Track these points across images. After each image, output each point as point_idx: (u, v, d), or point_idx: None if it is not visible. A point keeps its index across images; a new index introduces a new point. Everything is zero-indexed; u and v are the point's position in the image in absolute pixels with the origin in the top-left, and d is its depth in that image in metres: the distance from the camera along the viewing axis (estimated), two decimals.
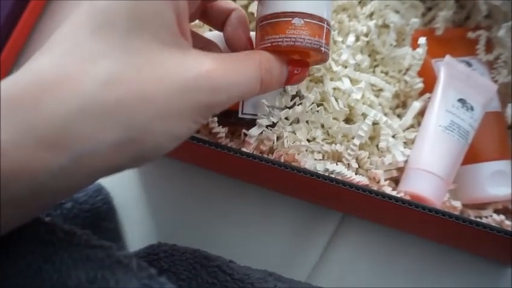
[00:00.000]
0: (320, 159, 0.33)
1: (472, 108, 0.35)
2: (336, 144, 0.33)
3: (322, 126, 0.34)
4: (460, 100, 0.35)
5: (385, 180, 0.34)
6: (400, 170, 0.35)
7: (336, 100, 0.34)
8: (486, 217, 0.35)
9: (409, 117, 0.36)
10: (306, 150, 0.33)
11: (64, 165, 0.17)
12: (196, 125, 0.21)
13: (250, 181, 0.39)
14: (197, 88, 0.20)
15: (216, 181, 0.39)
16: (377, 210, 0.35)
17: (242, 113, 0.32)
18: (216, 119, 0.32)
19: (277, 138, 0.32)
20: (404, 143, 0.35)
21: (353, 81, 0.35)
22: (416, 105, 0.36)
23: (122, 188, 0.39)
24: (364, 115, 0.34)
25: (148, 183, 0.40)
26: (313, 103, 0.33)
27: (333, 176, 0.31)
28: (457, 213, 0.33)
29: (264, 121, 0.31)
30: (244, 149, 0.30)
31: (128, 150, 0.19)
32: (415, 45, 0.37)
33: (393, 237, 0.39)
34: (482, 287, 0.38)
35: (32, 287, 0.19)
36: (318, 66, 0.33)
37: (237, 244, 0.39)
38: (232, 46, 0.28)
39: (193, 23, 0.34)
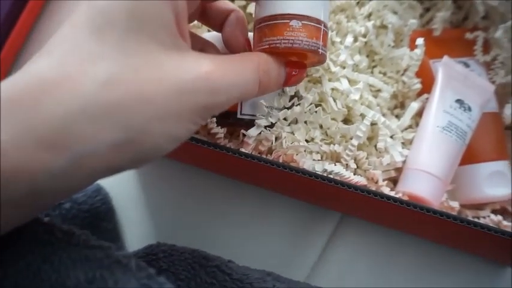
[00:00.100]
0: (318, 160, 0.33)
1: (469, 109, 0.35)
2: (334, 144, 0.33)
3: (321, 126, 0.34)
4: (458, 101, 0.35)
5: (383, 180, 0.34)
6: (398, 170, 0.35)
7: (334, 101, 0.34)
8: (484, 217, 0.35)
9: (407, 117, 0.36)
10: (305, 151, 0.33)
11: (63, 165, 0.17)
12: (195, 126, 0.21)
13: (249, 181, 0.39)
14: (196, 89, 0.20)
15: (215, 181, 0.39)
16: (375, 211, 0.35)
17: (241, 114, 0.32)
18: (214, 119, 0.32)
19: (276, 138, 0.32)
20: (403, 143, 0.35)
21: (351, 82, 0.35)
22: (414, 106, 0.36)
23: (121, 188, 0.39)
24: (363, 116, 0.34)
25: (147, 183, 0.40)
26: (311, 104, 0.33)
27: (331, 176, 0.31)
28: (454, 213, 0.33)
29: (262, 122, 0.31)
30: (242, 150, 0.31)
31: (126, 151, 0.19)
32: (413, 46, 0.37)
33: (391, 237, 0.39)
34: (481, 287, 0.38)
35: (31, 287, 0.19)
36: (316, 67, 0.34)
37: (236, 244, 0.39)
38: (230, 47, 0.28)
39: (191, 24, 0.34)
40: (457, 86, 0.36)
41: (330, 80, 0.34)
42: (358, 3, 0.38)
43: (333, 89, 0.34)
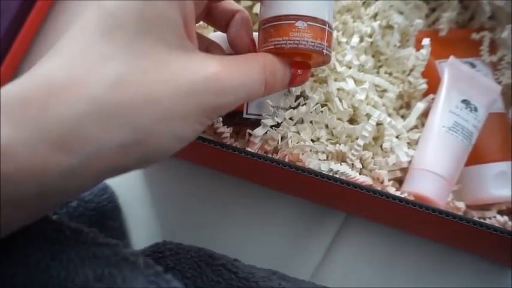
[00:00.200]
0: (324, 160, 0.33)
1: (475, 109, 0.35)
2: (340, 144, 0.33)
3: (327, 126, 0.34)
4: (464, 101, 0.35)
5: (389, 180, 0.34)
6: (404, 170, 0.35)
7: (340, 101, 0.34)
8: (490, 218, 0.35)
9: (412, 118, 0.36)
10: (310, 151, 0.33)
11: (71, 166, 0.18)
12: (202, 126, 0.21)
13: (255, 181, 0.39)
14: (203, 90, 0.20)
15: (221, 181, 0.39)
16: (380, 211, 0.35)
17: (247, 114, 0.32)
18: (221, 119, 0.32)
19: (282, 138, 0.32)
20: (408, 143, 0.35)
21: (357, 82, 0.35)
22: (420, 106, 0.36)
23: (127, 186, 0.40)
24: (368, 116, 0.34)
25: (153, 182, 0.41)
26: (317, 103, 0.33)
27: (337, 176, 0.31)
28: (460, 214, 0.33)
29: (268, 121, 0.31)
30: (248, 149, 0.31)
31: (133, 152, 0.19)
32: (418, 46, 0.37)
33: (396, 237, 0.39)
34: (485, 287, 0.38)
35: (40, 284, 0.19)
36: (322, 66, 0.34)
37: (241, 243, 0.39)
38: (235, 47, 0.28)
39: (197, 24, 0.35)
40: (463, 86, 0.36)
41: (335, 80, 0.34)
42: (364, 3, 0.38)
43: (338, 89, 0.34)
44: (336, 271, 0.39)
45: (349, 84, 0.34)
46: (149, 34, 0.19)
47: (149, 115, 0.19)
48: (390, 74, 0.38)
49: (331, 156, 0.34)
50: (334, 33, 0.35)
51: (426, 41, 0.36)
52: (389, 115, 0.36)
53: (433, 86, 0.37)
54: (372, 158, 0.34)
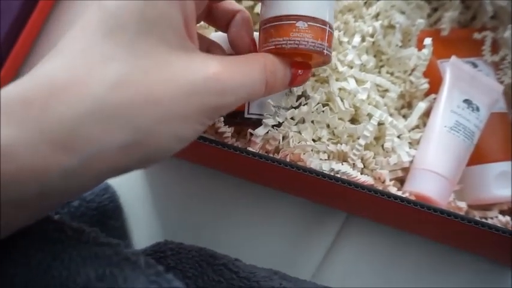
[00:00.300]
0: (325, 159, 0.33)
1: (477, 109, 0.35)
2: (341, 144, 0.33)
3: (328, 126, 0.34)
4: (466, 101, 0.35)
5: (390, 180, 0.34)
6: (406, 170, 0.35)
7: (342, 100, 0.34)
8: (492, 218, 0.35)
9: (414, 117, 0.36)
10: (312, 150, 0.33)
11: (72, 166, 0.18)
12: (202, 127, 0.21)
13: (256, 181, 0.39)
14: (204, 90, 0.20)
15: (222, 180, 0.39)
16: (382, 210, 0.35)
17: (248, 113, 0.32)
18: (222, 118, 0.32)
19: (283, 138, 0.32)
20: (410, 143, 0.35)
21: (358, 82, 0.35)
22: (421, 106, 0.36)
23: (129, 186, 0.40)
24: (370, 115, 0.34)
25: (154, 181, 0.41)
26: (318, 103, 0.33)
27: (338, 175, 0.31)
28: (462, 213, 0.33)
29: (270, 121, 0.31)
30: (250, 149, 0.31)
31: (134, 152, 0.19)
32: (420, 46, 0.37)
33: (397, 237, 0.39)
34: (485, 287, 0.38)
35: (42, 284, 0.19)
36: (324, 66, 0.34)
37: (242, 243, 0.39)
38: (235, 47, 0.28)
39: (198, 25, 0.35)
40: (464, 86, 0.36)
41: (337, 80, 0.34)
42: (365, 3, 0.38)
43: (340, 89, 0.34)
44: (337, 271, 0.39)
45: (351, 84, 0.34)
46: (150, 34, 0.19)
47: (150, 115, 0.19)
48: (392, 73, 0.38)
49: (333, 156, 0.34)
50: (336, 33, 0.35)
51: (428, 41, 0.36)
52: (391, 115, 0.36)
53: (435, 85, 0.37)
54: (374, 157, 0.34)
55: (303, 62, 0.27)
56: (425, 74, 0.37)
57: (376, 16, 0.38)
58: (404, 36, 0.38)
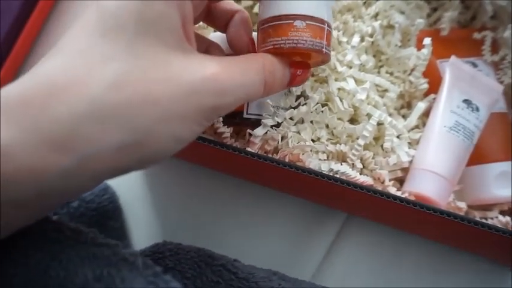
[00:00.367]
0: (325, 159, 0.33)
1: (477, 109, 0.35)
2: (340, 144, 0.33)
3: (327, 126, 0.34)
4: (465, 101, 0.35)
5: (390, 180, 0.34)
6: (405, 170, 0.35)
7: (341, 100, 0.34)
8: (492, 218, 0.35)
9: (413, 117, 0.36)
10: (311, 150, 0.33)
11: (70, 166, 0.18)
12: (201, 127, 0.21)
13: (255, 181, 0.39)
14: (202, 91, 0.20)
15: (221, 181, 0.39)
16: (381, 211, 0.35)
17: (247, 113, 0.32)
18: (221, 119, 0.32)
19: (282, 138, 0.32)
20: (409, 143, 0.35)
21: (358, 82, 0.35)
22: (421, 106, 0.36)
23: (128, 187, 0.40)
24: (369, 115, 0.34)
25: (153, 182, 0.41)
26: (317, 103, 0.33)
27: (337, 176, 0.31)
28: (462, 214, 0.33)
29: (268, 121, 0.31)
30: (249, 149, 0.31)
31: (133, 153, 0.19)
32: (420, 46, 0.37)
33: (397, 237, 0.39)
34: (485, 287, 0.38)
35: (40, 284, 0.19)
36: (323, 66, 0.34)
37: (241, 243, 0.39)
38: (234, 47, 0.28)
39: (197, 25, 0.35)
40: (464, 86, 0.36)
41: (336, 80, 0.34)
42: (365, 3, 0.38)
43: (339, 89, 0.34)
44: (337, 271, 0.39)
45: (350, 84, 0.34)
46: (148, 35, 0.19)
47: (149, 115, 0.19)
48: (391, 73, 0.38)
49: (332, 156, 0.34)
50: (335, 33, 0.35)
51: (427, 41, 0.36)
52: (390, 115, 0.36)
53: (434, 85, 0.37)
54: (373, 158, 0.34)
55: (302, 62, 0.27)
56: (425, 74, 0.37)
57: (376, 16, 0.38)
58: (403, 36, 0.38)
